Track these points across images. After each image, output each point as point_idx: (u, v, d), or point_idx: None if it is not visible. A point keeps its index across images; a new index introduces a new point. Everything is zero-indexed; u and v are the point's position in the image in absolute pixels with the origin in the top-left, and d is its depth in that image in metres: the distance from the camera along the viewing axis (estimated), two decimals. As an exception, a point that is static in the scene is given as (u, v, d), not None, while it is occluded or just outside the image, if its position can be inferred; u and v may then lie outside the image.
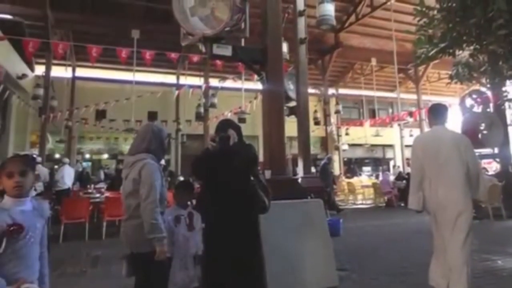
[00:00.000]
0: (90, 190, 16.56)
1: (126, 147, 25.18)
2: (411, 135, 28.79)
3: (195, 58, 17.27)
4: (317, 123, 27.12)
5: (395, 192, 19.62)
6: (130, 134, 19.53)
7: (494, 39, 7.59)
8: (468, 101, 15.23)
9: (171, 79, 27.06)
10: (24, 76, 20.68)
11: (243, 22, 6.36)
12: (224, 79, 21.55)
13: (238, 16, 6.13)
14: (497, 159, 16.15)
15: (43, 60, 20.05)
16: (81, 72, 25.71)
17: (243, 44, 6.74)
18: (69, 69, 23.91)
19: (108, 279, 6.95)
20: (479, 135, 13.66)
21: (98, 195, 14.23)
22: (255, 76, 7.82)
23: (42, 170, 14.06)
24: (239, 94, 20.15)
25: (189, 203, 4.98)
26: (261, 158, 5.63)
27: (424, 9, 8.56)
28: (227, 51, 6.30)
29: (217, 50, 6.22)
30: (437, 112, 5.34)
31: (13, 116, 22.40)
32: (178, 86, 24.35)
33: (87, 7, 20.29)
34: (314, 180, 8.67)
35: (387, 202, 19.94)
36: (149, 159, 3.92)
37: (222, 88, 22.80)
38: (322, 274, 5.97)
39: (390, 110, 35.06)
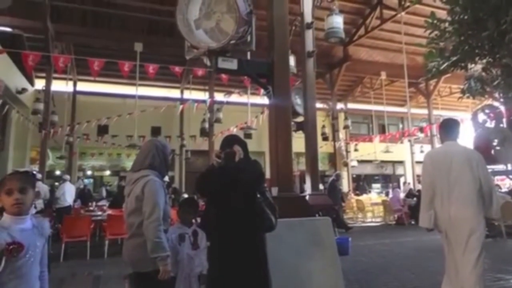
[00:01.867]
0: (91, 208, 16.63)
1: (129, 164, 25.13)
2: (422, 151, 28.64)
3: (200, 72, 17.30)
4: (325, 138, 27.16)
5: (406, 209, 19.54)
6: (133, 150, 19.61)
7: (508, 52, 7.58)
8: (481, 116, 15.17)
9: (175, 93, 27.24)
10: (24, 90, 20.73)
11: (249, 35, 6.33)
12: (229, 93, 21.55)
13: (244, 29, 6.12)
14: (511, 176, 16.07)
15: (44, 74, 19.96)
16: (82, 86, 25.80)
17: (249, 57, 6.73)
18: (70, 83, 23.99)
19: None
20: (492, 151, 13.59)
21: (100, 213, 14.28)
22: (262, 91, 7.82)
23: (43, 187, 14.06)
24: (245, 109, 20.10)
25: (193, 221, 4.98)
26: (267, 174, 5.62)
27: (435, 21, 8.55)
28: (232, 64, 6.28)
29: (222, 63, 6.21)
30: (448, 128, 5.34)
31: (13, 131, 22.21)
32: (182, 101, 24.32)
33: (89, 19, 20.36)
34: (322, 197, 8.66)
35: (397, 220, 19.86)
36: (152, 176, 3.93)
37: (228, 103, 22.76)
38: (330, 293, 5.95)
39: (401, 126, 35.07)
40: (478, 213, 4.82)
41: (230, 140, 3.93)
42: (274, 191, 6.22)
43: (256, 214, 3.71)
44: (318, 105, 22.89)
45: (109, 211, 13.83)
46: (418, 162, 27.78)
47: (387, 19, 21.27)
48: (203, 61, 6.91)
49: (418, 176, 27.80)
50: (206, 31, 6.17)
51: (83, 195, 20.68)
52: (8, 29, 18.32)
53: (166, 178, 9.48)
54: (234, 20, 6.02)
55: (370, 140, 29.25)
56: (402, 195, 21.69)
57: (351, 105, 32.39)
